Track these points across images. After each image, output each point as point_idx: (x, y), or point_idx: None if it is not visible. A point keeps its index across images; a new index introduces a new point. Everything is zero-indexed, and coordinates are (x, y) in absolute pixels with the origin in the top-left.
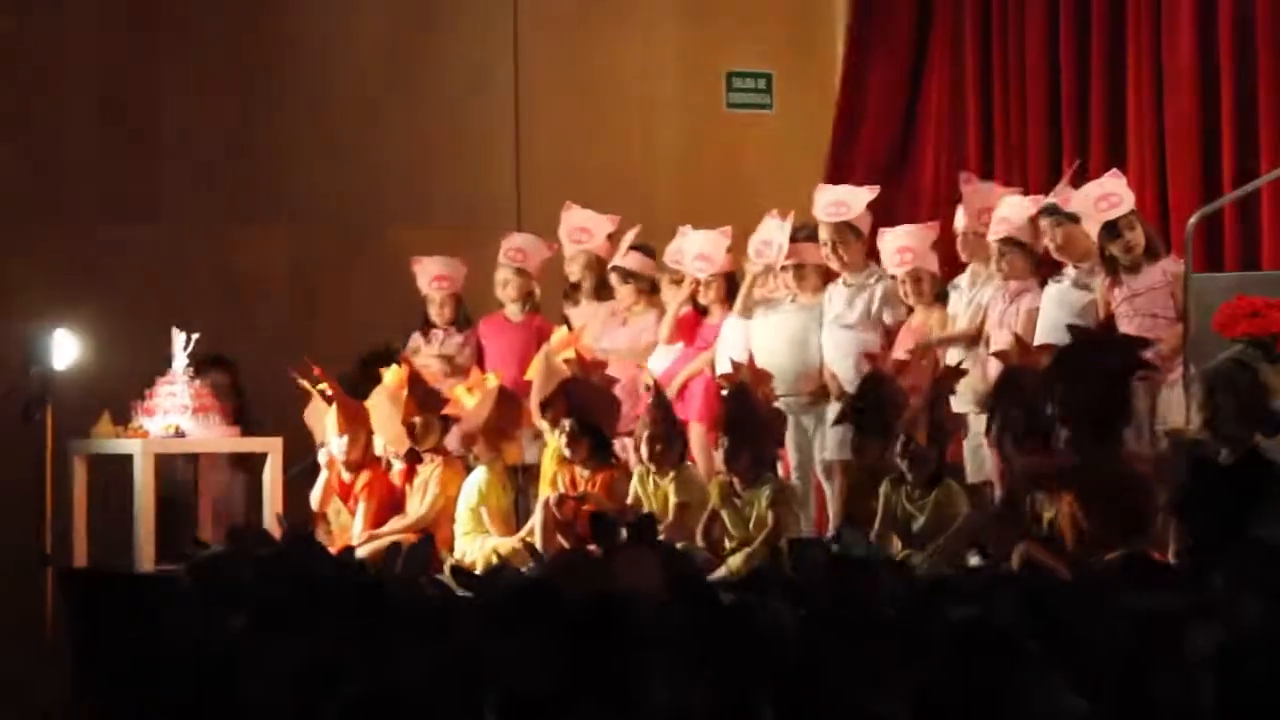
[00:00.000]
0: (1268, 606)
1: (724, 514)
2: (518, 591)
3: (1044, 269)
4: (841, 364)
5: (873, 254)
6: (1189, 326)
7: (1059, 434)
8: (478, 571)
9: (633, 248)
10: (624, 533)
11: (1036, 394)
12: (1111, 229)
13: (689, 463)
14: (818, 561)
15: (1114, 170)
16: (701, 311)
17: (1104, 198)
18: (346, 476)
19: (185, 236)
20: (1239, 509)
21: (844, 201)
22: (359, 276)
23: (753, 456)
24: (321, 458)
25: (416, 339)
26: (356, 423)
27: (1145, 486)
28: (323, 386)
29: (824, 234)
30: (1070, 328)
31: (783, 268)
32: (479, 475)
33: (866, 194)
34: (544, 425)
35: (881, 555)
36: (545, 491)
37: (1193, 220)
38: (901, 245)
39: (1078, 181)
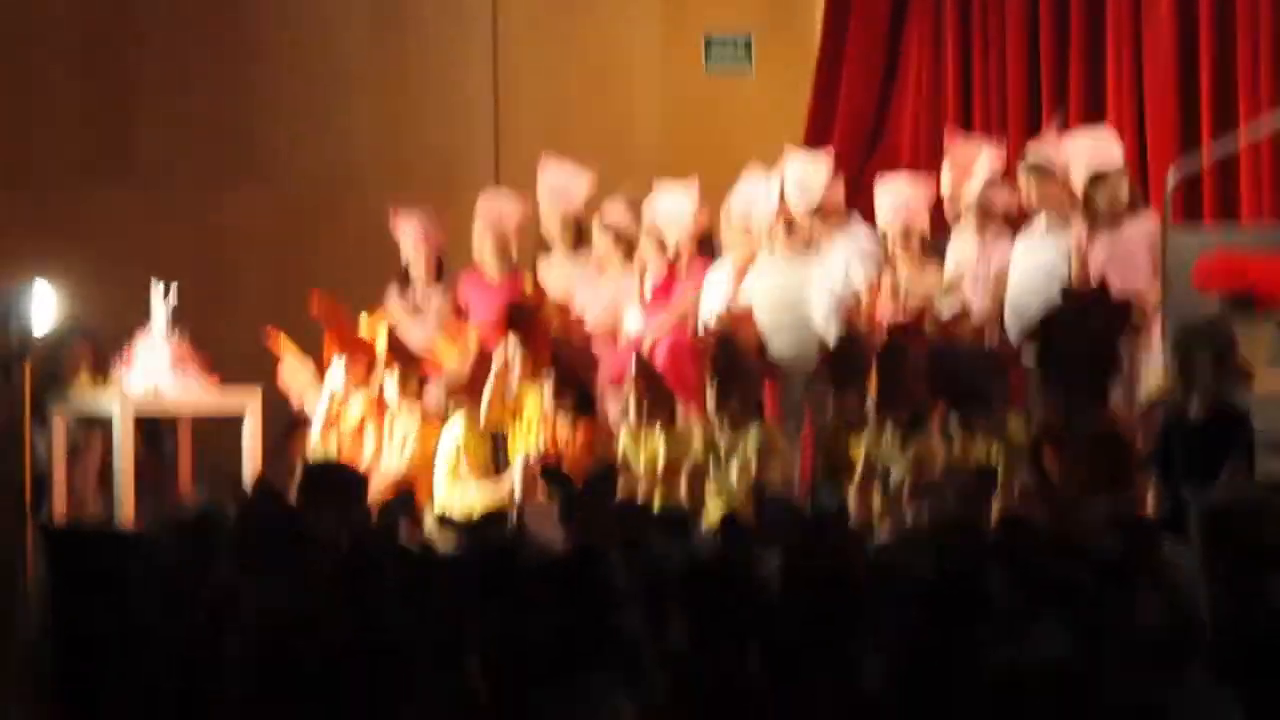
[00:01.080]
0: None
1: (707, 464)
2: (499, 548)
3: (1021, 223)
4: (821, 321)
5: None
6: (1167, 282)
7: (1041, 389)
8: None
9: (619, 203)
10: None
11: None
12: (1097, 180)
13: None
14: (785, 517)
15: (1106, 125)
16: (673, 270)
17: (1096, 146)
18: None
19: (163, 196)
20: (1211, 464)
21: (805, 184)
22: (338, 236)
23: (741, 401)
24: (315, 405)
25: (393, 296)
26: (356, 346)
27: (1126, 444)
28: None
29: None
30: (1063, 291)
31: (770, 228)
32: (456, 424)
33: (822, 167)
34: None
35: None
36: (523, 440)
37: (1171, 174)
38: (894, 198)
39: (1061, 132)
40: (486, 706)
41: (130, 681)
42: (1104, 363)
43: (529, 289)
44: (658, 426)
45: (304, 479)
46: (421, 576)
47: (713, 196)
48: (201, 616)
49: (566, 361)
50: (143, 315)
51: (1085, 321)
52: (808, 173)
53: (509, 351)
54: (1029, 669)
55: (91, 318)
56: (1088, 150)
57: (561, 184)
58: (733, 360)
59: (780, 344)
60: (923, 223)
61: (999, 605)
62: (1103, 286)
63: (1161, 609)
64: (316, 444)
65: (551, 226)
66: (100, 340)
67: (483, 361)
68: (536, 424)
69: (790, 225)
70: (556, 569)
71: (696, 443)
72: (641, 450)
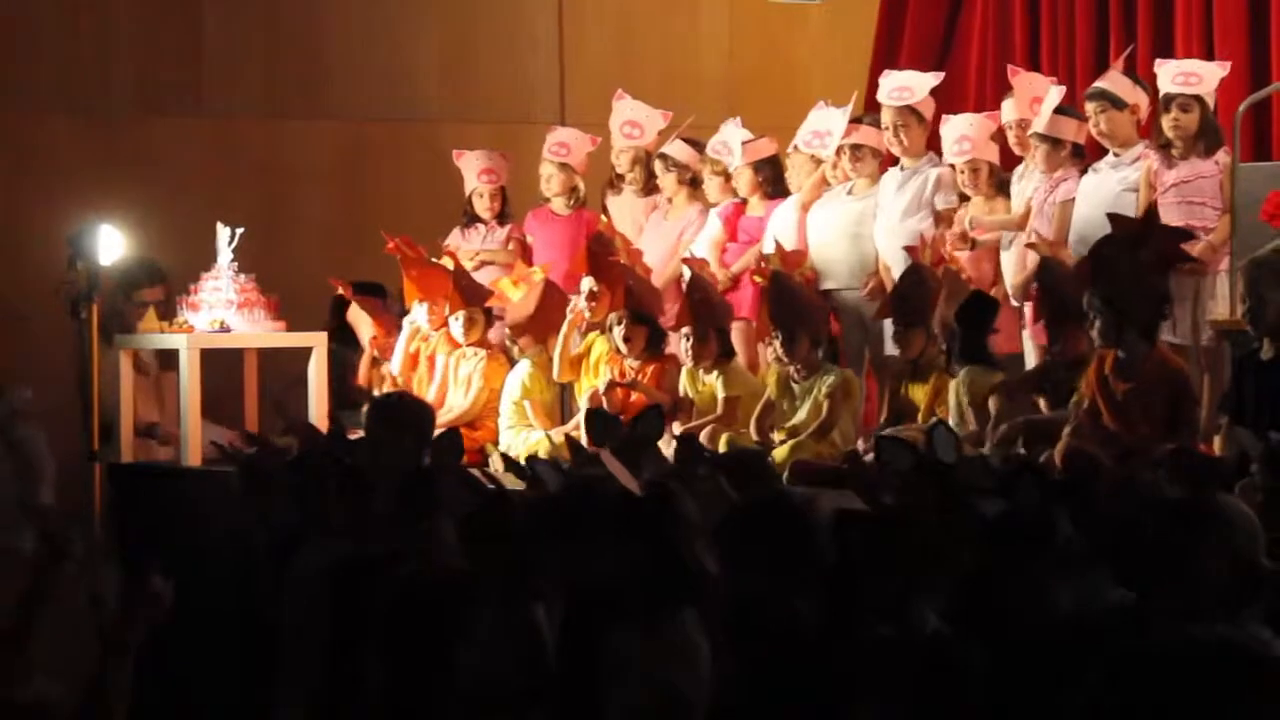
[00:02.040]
0: None
1: (781, 404)
2: (573, 484)
3: (1091, 157)
4: (893, 256)
5: (932, 144)
6: (1235, 216)
7: (1092, 325)
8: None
9: (682, 139)
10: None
11: (1067, 284)
12: (1165, 104)
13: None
14: (904, 463)
15: (1223, 61)
16: (742, 203)
17: (1183, 73)
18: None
19: (228, 130)
20: (1276, 404)
21: (908, 86)
22: (403, 171)
23: (811, 341)
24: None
25: (455, 236)
26: (435, 290)
27: (1184, 380)
28: (408, 256)
29: (887, 118)
30: (1110, 217)
31: (839, 150)
32: (523, 369)
33: (931, 79)
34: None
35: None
36: (589, 382)
37: (1241, 109)
38: (961, 134)
39: (1129, 68)
40: (549, 646)
41: (194, 617)
42: (1152, 296)
43: (598, 226)
44: (713, 366)
45: (373, 411)
46: (487, 514)
47: (780, 126)
48: (263, 554)
49: (638, 299)
50: (207, 252)
51: (1135, 251)
52: (914, 77)
53: (587, 290)
54: (1087, 616)
55: (156, 255)
56: (1175, 72)
57: (634, 120)
58: (787, 301)
59: (841, 278)
60: (992, 156)
61: (1062, 547)
62: (1152, 214)
63: (1223, 554)
64: (395, 379)
65: (622, 164)
66: (168, 279)
67: (548, 299)
68: (604, 367)
69: (858, 151)
70: (627, 507)
71: (771, 382)
72: (700, 389)
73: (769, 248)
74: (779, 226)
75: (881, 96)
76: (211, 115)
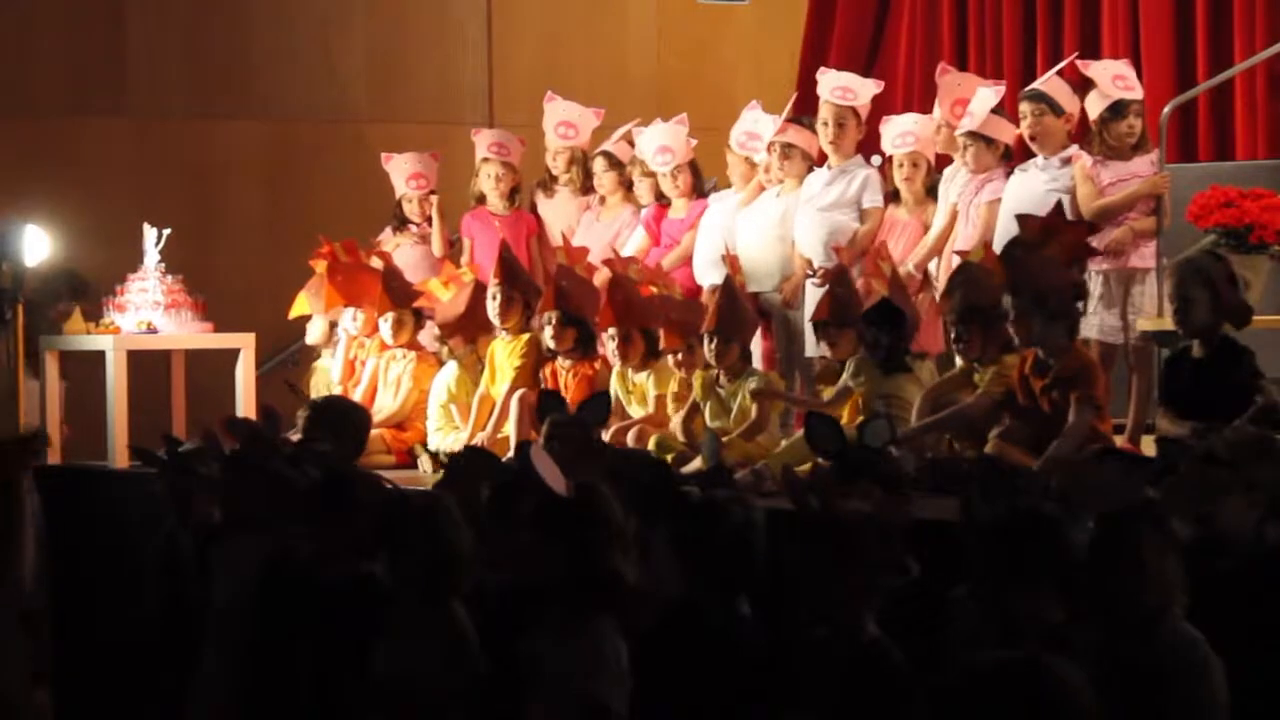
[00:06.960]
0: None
1: (706, 406)
2: (502, 484)
3: (1016, 159)
4: (813, 247)
5: (863, 149)
6: (1164, 217)
7: (1011, 325)
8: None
9: (625, 140)
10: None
11: (983, 286)
12: (1119, 109)
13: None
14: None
15: (1125, 60)
16: (665, 205)
17: (1120, 76)
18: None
19: (154, 130)
20: (1210, 401)
21: (851, 88)
22: (330, 171)
23: (741, 350)
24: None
25: (388, 236)
26: (361, 295)
27: (1090, 361)
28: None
29: (827, 113)
30: (1019, 218)
31: (769, 146)
32: (450, 371)
33: (873, 86)
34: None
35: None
36: (488, 382)
37: (1167, 110)
38: (905, 130)
39: (1066, 75)
40: (472, 643)
41: (123, 616)
42: (1066, 291)
43: (537, 230)
44: (641, 365)
45: (310, 413)
46: (404, 515)
47: (709, 127)
48: (190, 555)
49: (570, 300)
50: (134, 253)
51: (1044, 249)
52: (856, 80)
53: (492, 294)
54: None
55: (82, 256)
56: (1113, 75)
57: (569, 121)
58: (730, 307)
59: (768, 279)
60: (930, 154)
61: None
62: (1057, 212)
63: (1168, 555)
64: (333, 385)
65: (559, 164)
66: (93, 281)
67: (478, 300)
68: (507, 371)
69: (788, 151)
70: (554, 508)
71: (697, 385)
72: (630, 390)
73: (703, 245)
74: (712, 222)
75: (824, 93)
76: (137, 115)
